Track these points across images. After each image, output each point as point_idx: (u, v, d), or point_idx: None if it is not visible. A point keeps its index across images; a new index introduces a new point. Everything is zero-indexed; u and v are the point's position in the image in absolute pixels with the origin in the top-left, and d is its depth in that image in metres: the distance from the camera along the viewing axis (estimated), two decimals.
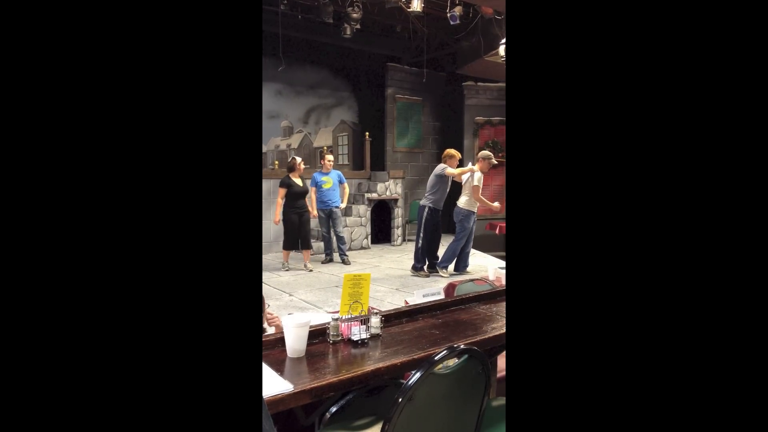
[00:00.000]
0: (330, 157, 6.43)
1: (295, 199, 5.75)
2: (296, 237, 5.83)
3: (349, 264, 6.45)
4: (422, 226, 5.54)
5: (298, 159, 5.87)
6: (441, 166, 5.59)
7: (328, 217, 6.34)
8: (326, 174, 6.29)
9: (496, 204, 5.55)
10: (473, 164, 5.63)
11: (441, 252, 5.70)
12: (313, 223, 7.32)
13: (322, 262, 6.43)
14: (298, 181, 5.78)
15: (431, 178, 5.63)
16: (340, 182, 6.44)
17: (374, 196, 7.85)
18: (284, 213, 5.76)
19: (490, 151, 5.99)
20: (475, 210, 5.55)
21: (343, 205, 6.60)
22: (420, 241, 5.56)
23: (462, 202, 5.57)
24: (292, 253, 6.08)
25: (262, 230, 5.66)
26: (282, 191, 5.71)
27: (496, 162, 5.69)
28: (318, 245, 6.83)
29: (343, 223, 6.74)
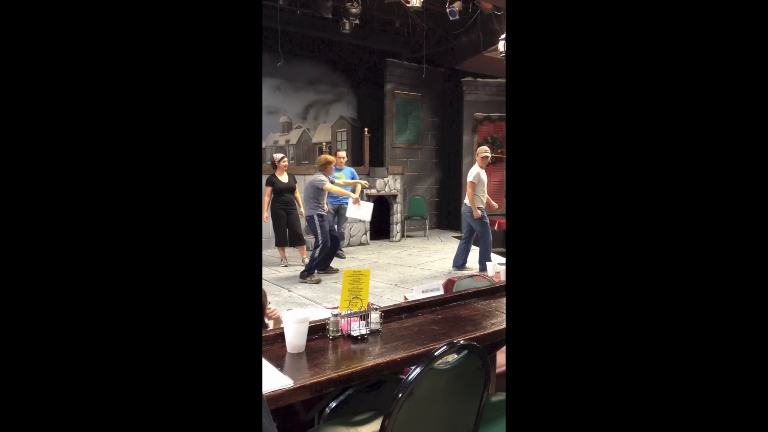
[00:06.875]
0: (343, 153, 6.49)
1: (280, 195, 5.83)
2: (284, 232, 5.88)
3: (344, 258, 6.46)
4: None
5: (278, 156, 5.92)
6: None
7: (336, 212, 6.39)
8: (339, 170, 6.36)
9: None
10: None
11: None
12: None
13: None
14: (282, 178, 5.86)
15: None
16: (353, 179, 6.47)
17: (373, 191, 7.85)
18: (272, 209, 5.84)
19: (489, 146, 5.98)
20: (482, 205, 5.54)
21: None
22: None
23: (466, 200, 5.58)
24: (290, 250, 6.09)
25: (262, 226, 5.68)
26: (268, 189, 5.79)
27: (489, 155, 5.73)
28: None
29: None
